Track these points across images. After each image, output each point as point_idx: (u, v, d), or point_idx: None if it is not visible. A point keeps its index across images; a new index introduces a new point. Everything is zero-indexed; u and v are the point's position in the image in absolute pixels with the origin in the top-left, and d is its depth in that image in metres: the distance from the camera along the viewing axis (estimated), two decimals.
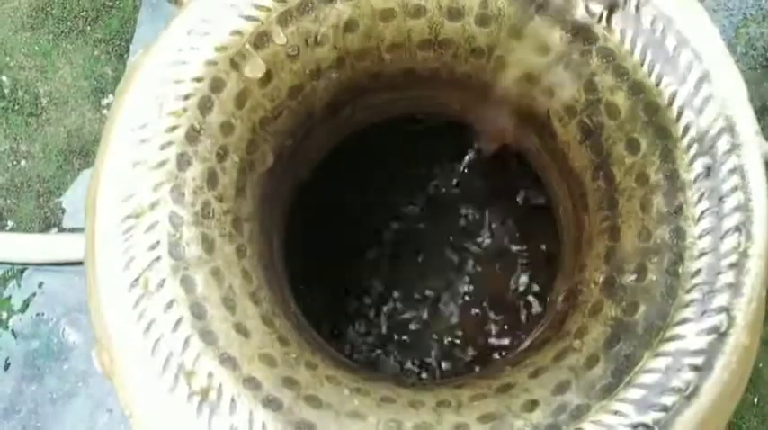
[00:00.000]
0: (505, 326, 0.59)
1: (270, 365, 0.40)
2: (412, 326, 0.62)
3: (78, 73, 0.78)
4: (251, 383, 0.39)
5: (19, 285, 0.71)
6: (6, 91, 0.77)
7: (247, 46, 0.42)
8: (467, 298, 0.62)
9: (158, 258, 0.39)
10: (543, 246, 0.58)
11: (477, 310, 0.61)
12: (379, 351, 0.61)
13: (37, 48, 0.78)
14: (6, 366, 0.69)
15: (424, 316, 0.62)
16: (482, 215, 0.60)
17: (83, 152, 0.75)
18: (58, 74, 0.77)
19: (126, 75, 0.43)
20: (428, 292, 0.63)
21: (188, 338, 0.38)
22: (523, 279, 0.59)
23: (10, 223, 0.74)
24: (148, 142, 0.41)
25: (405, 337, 0.61)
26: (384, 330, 0.61)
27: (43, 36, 0.78)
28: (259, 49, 0.43)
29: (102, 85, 0.77)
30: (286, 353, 0.42)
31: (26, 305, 0.71)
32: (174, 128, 0.41)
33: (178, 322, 0.39)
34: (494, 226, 0.59)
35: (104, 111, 0.76)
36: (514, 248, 0.59)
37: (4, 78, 0.77)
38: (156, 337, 0.38)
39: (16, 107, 0.76)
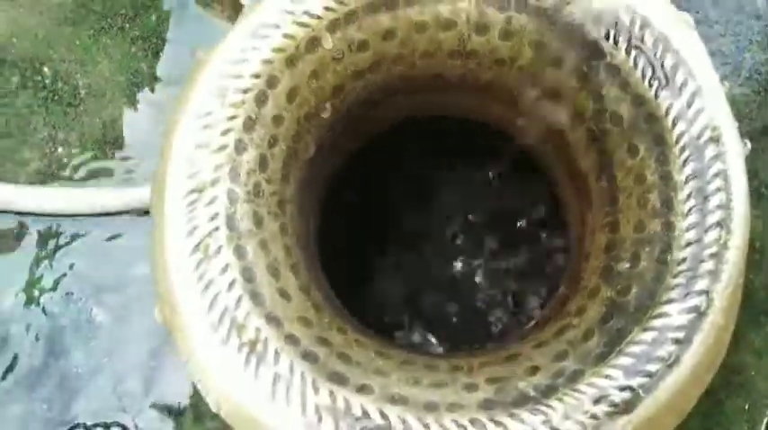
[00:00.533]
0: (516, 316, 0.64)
1: (307, 326, 0.46)
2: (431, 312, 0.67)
3: (116, 67, 0.81)
4: (291, 339, 0.45)
5: (51, 266, 0.74)
6: (47, 81, 0.80)
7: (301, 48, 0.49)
8: (486, 287, 0.67)
9: (217, 228, 0.45)
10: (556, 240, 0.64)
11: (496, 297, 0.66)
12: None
13: (78, 42, 0.81)
14: (36, 341, 0.72)
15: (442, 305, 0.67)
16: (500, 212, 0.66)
17: (116, 142, 0.78)
18: (97, 67, 0.81)
19: (193, 68, 0.49)
20: (444, 286, 0.68)
21: (240, 298, 0.44)
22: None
23: None
24: (211, 128, 0.47)
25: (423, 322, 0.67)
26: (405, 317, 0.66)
27: (84, 31, 0.81)
28: (309, 52, 0.50)
29: (138, 80, 0.80)
30: (320, 318, 0.48)
31: (57, 284, 0.74)
32: (233, 117, 0.47)
33: (232, 283, 0.45)
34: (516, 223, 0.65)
35: (139, 105, 0.79)
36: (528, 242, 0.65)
37: (45, 69, 0.81)
38: (212, 295, 0.44)
39: (56, 97, 0.80)
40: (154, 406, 0.70)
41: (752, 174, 0.76)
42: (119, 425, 0.69)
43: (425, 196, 0.67)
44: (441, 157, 0.66)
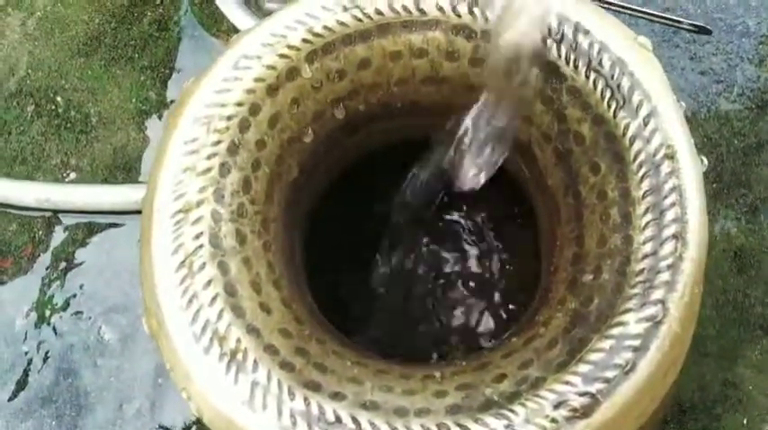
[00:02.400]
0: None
1: (286, 338, 0.49)
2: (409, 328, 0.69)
3: (126, 96, 0.85)
4: (271, 349, 0.47)
5: (62, 286, 0.78)
6: (60, 110, 0.85)
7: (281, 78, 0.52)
8: (468, 304, 0.70)
9: (201, 246, 0.49)
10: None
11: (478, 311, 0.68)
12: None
13: (90, 72, 0.86)
14: (46, 359, 0.75)
15: (422, 321, 0.69)
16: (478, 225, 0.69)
17: (126, 167, 0.83)
18: (108, 96, 0.85)
19: (180, 98, 0.53)
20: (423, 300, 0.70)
21: (221, 311, 0.47)
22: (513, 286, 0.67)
23: (57, 228, 0.81)
24: (197, 153, 0.50)
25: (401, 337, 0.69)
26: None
27: (96, 62, 0.86)
28: (289, 81, 0.53)
29: (147, 108, 0.84)
30: (300, 330, 0.50)
31: (67, 304, 0.77)
32: (218, 142, 0.51)
33: (214, 298, 0.48)
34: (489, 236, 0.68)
35: (148, 132, 0.84)
36: (504, 260, 0.68)
37: (59, 99, 0.86)
38: (196, 308, 0.47)
39: (68, 125, 0.85)
40: (161, 426, 0.73)
41: (746, 188, 0.79)
42: None
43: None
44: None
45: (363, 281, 0.71)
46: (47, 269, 0.79)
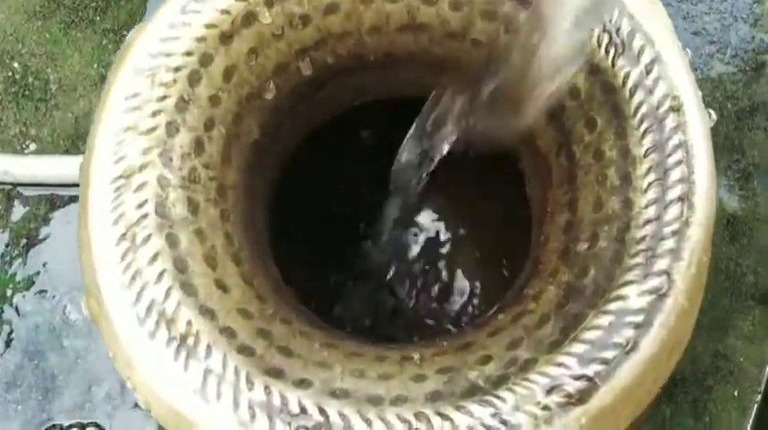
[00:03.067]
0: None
1: (246, 318, 0.43)
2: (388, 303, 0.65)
3: (87, 61, 0.79)
4: (227, 332, 0.42)
5: (24, 263, 0.73)
6: (17, 77, 0.79)
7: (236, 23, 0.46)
8: (456, 274, 0.65)
9: (145, 215, 0.43)
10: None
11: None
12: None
13: (48, 36, 0.80)
14: (9, 342, 0.70)
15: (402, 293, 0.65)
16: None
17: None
18: (68, 62, 0.79)
19: (122, 49, 0.46)
20: (408, 270, 0.66)
21: (169, 289, 0.42)
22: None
23: (17, 202, 0.78)
24: (140, 109, 0.44)
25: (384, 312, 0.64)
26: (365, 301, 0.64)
27: (54, 25, 0.80)
28: (246, 28, 0.47)
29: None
30: (262, 310, 0.45)
31: (30, 283, 0.73)
32: (164, 97, 0.45)
33: (161, 274, 0.42)
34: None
35: None
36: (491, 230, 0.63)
37: (15, 65, 0.79)
38: (140, 287, 0.41)
39: (26, 93, 0.78)
40: (132, 409, 0.69)
41: (739, 153, 0.75)
42: (95, 425, 0.68)
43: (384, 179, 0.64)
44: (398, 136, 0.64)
45: (336, 254, 0.66)
46: (7, 246, 0.74)
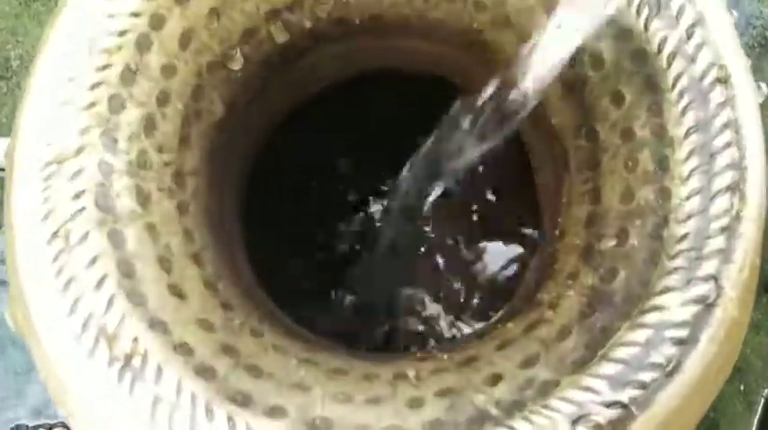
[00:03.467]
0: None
1: (207, 331, 0.36)
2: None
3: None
4: (183, 349, 0.35)
5: None
6: None
7: None
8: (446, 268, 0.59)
9: (82, 209, 0.35)
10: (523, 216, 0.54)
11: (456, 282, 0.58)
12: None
13: (8, 9, 0.74)
14: None
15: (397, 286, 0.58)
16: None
17: None
18: (29, 36, 0.74)
19: (58, 5, 0.38)
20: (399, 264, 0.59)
21: (112, 298, 0.34)
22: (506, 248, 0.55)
23: None
24: (76, 81, 0.36)
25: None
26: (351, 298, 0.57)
27: None
28: None
29: None
30: (228, 319, 0.38)
31: None
32: (106, 66, 0.37)
33: (102, 280, 0.34)
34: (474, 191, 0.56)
35: None
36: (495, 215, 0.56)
37: None
38: (75, 295, 0.34)
39: None
40: None
41: None
42: (62, 425, 0.63)
43: (373, 165, 0.57)
44: (393, 118, 0.56)
45: (317, 252, 0.59)
46: None
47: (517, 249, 0.54)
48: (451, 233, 0.57)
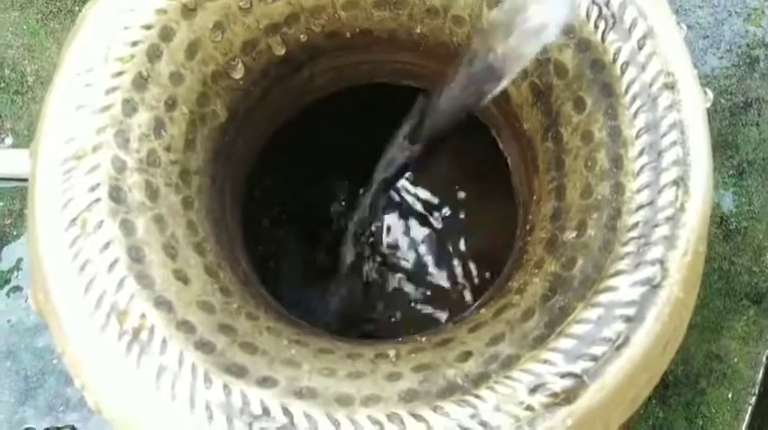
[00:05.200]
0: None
1: (207, 312, 0.40)
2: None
3: None
4: (185, 326, 0.39)
5: None
6: None
7: None
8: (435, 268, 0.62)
9: (98, 200, 0.39)
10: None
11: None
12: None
13: (25, 27, 0.78)
14: None
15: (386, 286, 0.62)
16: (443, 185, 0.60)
17: None
18: (45, 53, 0.77)
19: (77, 21, 0.43)
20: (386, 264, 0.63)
21: (123, 279, 0.38)
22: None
23: None
24: (93, 86, 0.41)
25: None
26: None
27: (32, 15, 0.78)
28: (210, 0, 0.44)
29: None
30: (226, 303, 0.42)
31: (4, 281, 0.71)
32: (120, 73, 0.41)
33: (114, 263, 0.38)
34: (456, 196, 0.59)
35: None
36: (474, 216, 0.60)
37: None
38: (90, 276, 0.38)
39: (2, 85, 0.76)
40: None
41: (733, 149, 0.73)
42: (71, 427, 0.66)
43: (362, 168, 0.61)
44: (383, 127, 0.60)
45: (312, 249, 0.63)
46: None
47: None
48: (436, 233, 0.61)
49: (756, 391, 0.67)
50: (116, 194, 0.40)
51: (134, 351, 0.37)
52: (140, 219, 0.40)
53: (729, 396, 0.67)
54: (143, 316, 0.38)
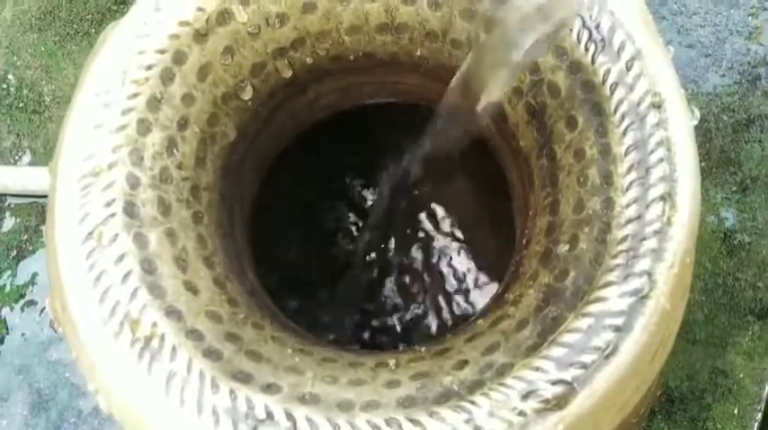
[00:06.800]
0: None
1: (215, 321, 0.42)
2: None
3: (81, 73, 0.81)
4: (194, 334, 0.40)
5: (14, 275, 0.73)
6: (12, 89, 0.80)
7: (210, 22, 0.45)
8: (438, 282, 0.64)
9: (113, 214, 0.42)
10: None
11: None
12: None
13: (43, 48, 0.81)
14: None
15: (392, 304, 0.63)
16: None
17: None
18: (62, 74, 0.80)
19: (96, 44, 0.46)
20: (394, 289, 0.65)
21: (136, 290, 0.40)
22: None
23: (8, 214, 0.77)
24: (110, 107, 0.43)
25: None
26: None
27: (50, 37, 0.81)
28: (221, 26, 0.46)
29: None
30: (234, 313, 0.43)
31: (19, 295, 0.73)
32: (135, 95, 0.44)
33: (127, 274, 0.41)
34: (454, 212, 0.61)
35: None
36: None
37: (10, 77, 0.80)
38: (104, 287, 0.40)
39: (21, 104, 0.79)
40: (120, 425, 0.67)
41: (735, 166, 0.74)
42: None
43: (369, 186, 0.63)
44: (391, 145, 0.62)
45: (320, 264, 0.65)
46: None
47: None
48: (439, 250, 0.62)
49: (762, 408, 0.67)
50: (130, 209, 0.42)
51: (145, 358, 0.39)
52: (153, 233, 0.43)
53: (735, 411, 0.67)
54: (154, 324, 0.40)
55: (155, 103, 0.44)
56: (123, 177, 0.42)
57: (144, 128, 0.44)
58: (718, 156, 0.74)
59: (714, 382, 0.68)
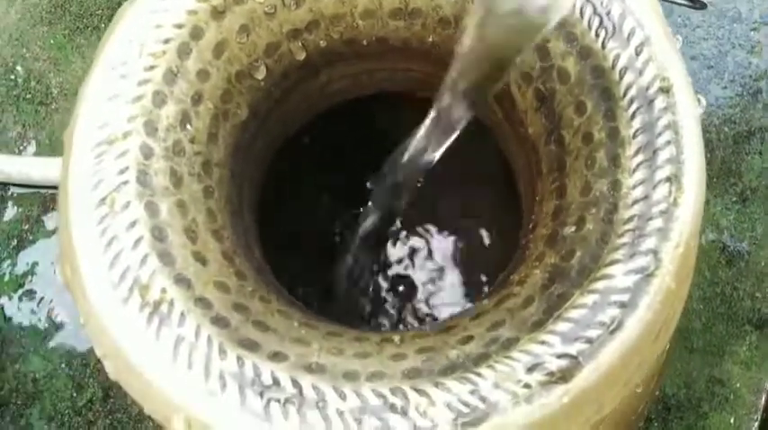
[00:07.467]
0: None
1: (223, 291, 0.42)
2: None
3: (89, 67, 0.79)
4: (202, 303, 0.41)
5: (14, 264, 0.73)
6: (20, 80, 0.80)
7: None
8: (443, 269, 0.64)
9: (126, 182, 0.42)
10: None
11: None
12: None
13: (52, 41, 0.82)
14: None
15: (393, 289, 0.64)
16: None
17: None
18: (71, 67, 0.81)
19: (114, 18, 0.46)
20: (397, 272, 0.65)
21: (146, 256, 0.41)
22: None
23: (10, 203, 0.77)
24: (126, 78, 0.44)
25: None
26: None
27: (59, 31, 0.82)
28: (238, 5, 0.47)
29: None
30: (241, 286, 0.44)
31: (19, 285, 0.73)
32: (152, 67, 0.44)
33: (138, 241, 0.41)
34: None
35: None
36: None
37: (18, 68, 0.81)
38: (115, 252, 0.40)
39: (28, 96, 0.80)
40: (114, 417, 0.67)
41: (736, 177, 0.75)
42: None
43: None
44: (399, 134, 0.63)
45: (326, 249, 0.65)
46: None
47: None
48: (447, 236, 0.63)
49: (759, 417, 0.67)
50: (143, 178, 0.43)
51: (154, 322, 0.39)
52: (164, 203, 0.43)
53: (732, 421, 0.67)
54: (164, 290, 0.40)
55: (171, 77, 0.45)
56: (137, 147, 0.43)
57: (159, 100, 0.44)
58: (719, 166, 0.76)
59: (711, 391, 0.68)
